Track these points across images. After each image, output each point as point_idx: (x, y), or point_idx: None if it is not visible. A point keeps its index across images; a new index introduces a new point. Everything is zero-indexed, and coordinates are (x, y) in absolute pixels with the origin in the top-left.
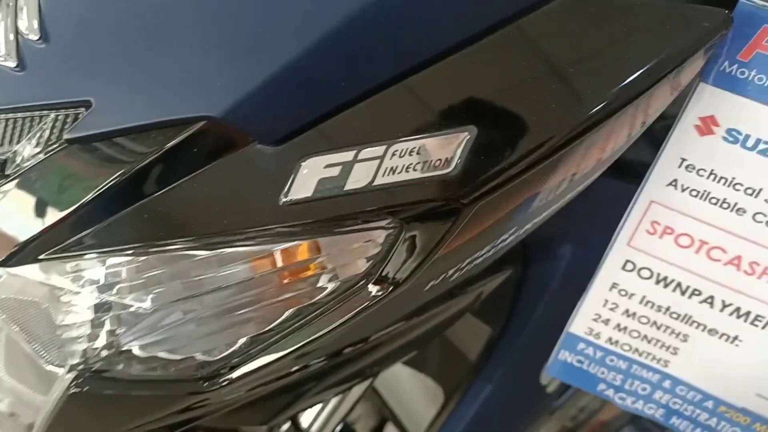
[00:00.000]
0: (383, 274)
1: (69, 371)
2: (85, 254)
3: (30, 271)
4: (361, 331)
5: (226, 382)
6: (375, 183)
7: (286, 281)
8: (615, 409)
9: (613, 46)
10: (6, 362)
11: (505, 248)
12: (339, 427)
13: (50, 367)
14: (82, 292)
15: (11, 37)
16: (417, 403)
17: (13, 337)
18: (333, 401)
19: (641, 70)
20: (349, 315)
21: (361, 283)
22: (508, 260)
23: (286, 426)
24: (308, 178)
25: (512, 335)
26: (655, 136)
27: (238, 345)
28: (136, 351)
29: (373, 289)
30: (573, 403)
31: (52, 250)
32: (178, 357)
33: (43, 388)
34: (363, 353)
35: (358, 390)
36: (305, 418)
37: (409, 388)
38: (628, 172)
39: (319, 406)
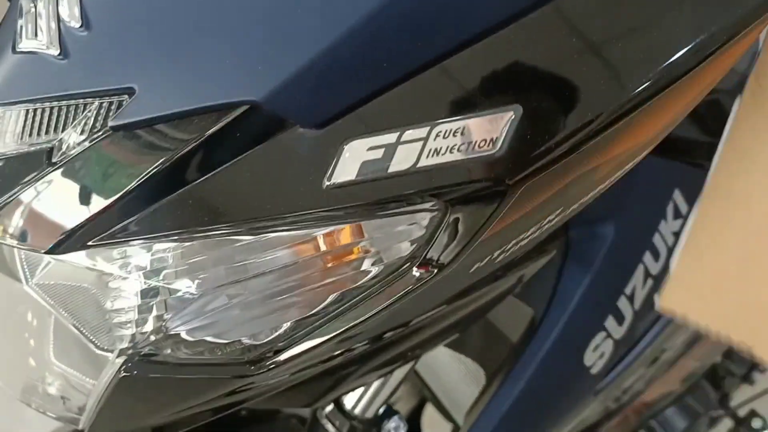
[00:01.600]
0: (427, 257)
1: (119, 356)
2: (131, 240)
3: (77, 258)
4: (404, 315)
5: (272, 366)
6: (419, 165)
7: (329, 265)
8: (658, 390)
9: (658, 22)
10: (55, 347)
11: (551, 229)
12: (382, 409)
13: (100, 352)
14: (129, 277)
15: (53, 25)
16: (458, 384)
17: (61, 322)
18: (375, 383)
19: (689, 47)
20: (393, 299)
21: (405, 266)
22: (550, 242)
23: (330, 408)
24: (351, 161)
25: (555, 316)
26: (696, 111)
27: (283, 329)
28: (183, 335)
29: (417, 272)
30: (617, 384)
31: (98, 237)
32: (224, 341)
33: (94, 372)
34: (405, 336)
35: (400, 372)
36: (348, 400)
37: (450, 370)
38: (670, 149)
39: (362, 388)
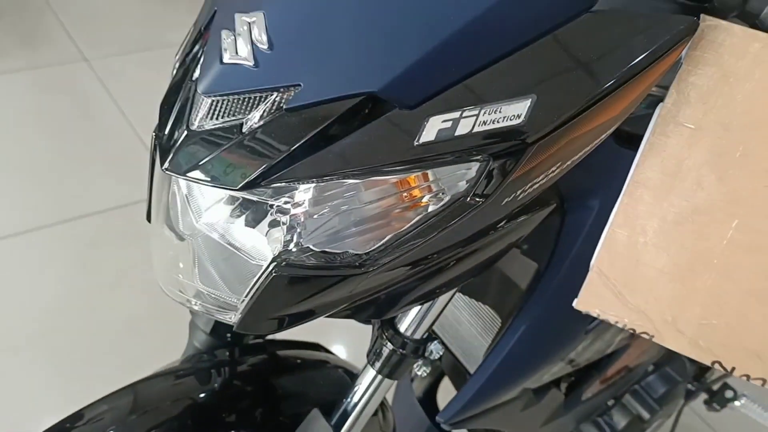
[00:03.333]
0: (476, 192)
1: (271, 262)
2: (289, 181)
3: (256, 193)
4: (461, 236)
5: (373, 268)
6: (473, 131)
7: (414, 195)
8: (639, 350)
9: (617, 47)
10: (200, 275)
11: (554, 178)
12: (426, 334)
13: (255, 263)
14: (284, 207)
15: (250, 47)
16: (474, 338)
17: (204, 252)
18: (423, 309)
19: (635, 60)
20: (456, 219)
21: (462, 197)
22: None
23: (389, 330)
24: (431, 129)
25: (555, 270)
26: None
27: (379, 243)
28: (312, 248)
29: (471, 200)
30: (605, 326)
31: (269, 179)
32: (339, 251)
33: (240, 288)
34: (451, 264)
35: (441, 301)
36: (402, 324)
37: (469, 326)
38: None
39: (413, 314)
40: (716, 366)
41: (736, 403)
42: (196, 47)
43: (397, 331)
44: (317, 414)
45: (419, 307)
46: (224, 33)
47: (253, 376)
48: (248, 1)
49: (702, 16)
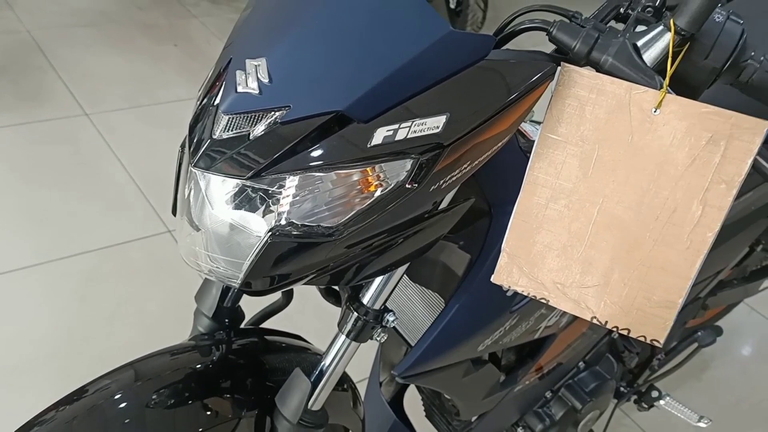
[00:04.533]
0: (411, 178)
1: (267, 232)
2: (280, 173)
3: (258, 182)
4: (404, 215)
5: (340, 238)
6: (408, 137)
7: (369, 183)
8: (571, 337)
9: (503, 80)
10: (210, 255)
11: (467, 173)
12: (383, 306)
13: (256, 235)
14: (276, 192)
15: (256, 81)
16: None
17: (213, 239)
18: (380, 283)
19: (516, 91)
20: (399, 199)
21: (402, 184)
22: (477, 214)
23: (356, 303)
24: (379, 136)
25: (483, 259)
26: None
27: (344, 219)
28: (296, 222)
29: (408, 186)
30: (529, 309)
31: (267, 171)
32: (314, 224)
33: (243, 253)
34: (396, 244)
35: (395, 276)
36: (364, 297)
37: (415, 308)
38: None
39: (373, 288)
40: (594, 321)
41: (661, 402)
42: (218, 83)
43: (361, 303)
44: (299, 372)
45: (377, 283)
46: (238, 72)
47: (245, 352)
48: (254, 50)
49: (563, 64)
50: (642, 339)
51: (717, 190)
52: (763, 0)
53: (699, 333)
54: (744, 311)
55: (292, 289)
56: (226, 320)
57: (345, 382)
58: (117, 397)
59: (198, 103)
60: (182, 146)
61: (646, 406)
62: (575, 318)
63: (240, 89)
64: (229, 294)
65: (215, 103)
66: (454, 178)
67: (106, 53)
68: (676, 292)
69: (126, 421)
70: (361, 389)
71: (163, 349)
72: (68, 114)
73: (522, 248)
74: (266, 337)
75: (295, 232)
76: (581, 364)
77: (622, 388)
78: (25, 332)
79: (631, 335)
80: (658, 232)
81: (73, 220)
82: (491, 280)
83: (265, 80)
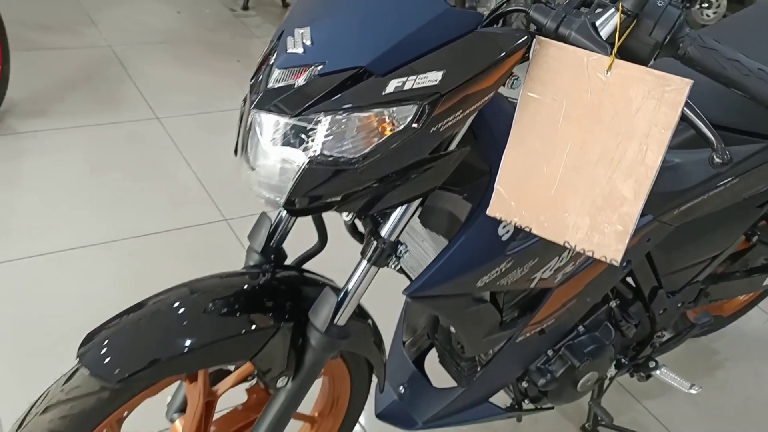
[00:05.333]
0: (416, 119)
1: (305, 161)
2: (317, 113)
3: (300, 119)
4: (412, 155)
5: (362, 166)
6: (413, 87)
7: (383, 123)
8: (567, 293)
9: (488, 47)
10: (262, 185)
11: (461, 120)
12: (397, 239)
13: (297, 164)
14: (313, 128)
15: (301, 44)
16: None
17: (270, 161)
18: (395, 219)
19: (498, 55)
20: (406, 136)
21: (408, 125)
22: (479, 172)
23: (376, 234)
24: (391, 86)
25: (483, 207)
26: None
27: (365, 151)
28: (327, 153)
29: (414, 125)
30: (524, 253)
31: (308, 111)
32: (339, 156)
33: (287, 178)
34: (409, 179)
35: (408, 214)
36: (383, 232)
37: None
38: None
39: (390, 221)
40: (566, 245)
41: (657, 372)
42: (273, 47)
43: (380, 235)
44: (329, 290)
45: (393, 218)
46: (289, 38)
47: (286, 281)
48: (302, 22)
49: (537, 37)
50: (603, 259)
51: (655, 133)
52: (756, 17)
53: (699, 316)
54: (762, 317)
55: (326, 236)
56: (272, 257)
57: (368, 318)
58: (176, 305)
59: (258, 64)
60: (244, 100)
61: (644, 375)
62: (569, 277)
63: (289, 50)
64: (275, 235)
65: (270, 63)
66: (449, 123)
67: (176, 67)
68: (628, 220)
69: (185, 323)
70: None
71: (216, 273)
72: (142, 117)
73: (510, 186)
74: (304, 274)
75: (326, 161)
76: (581, 329)
77: (623, 360)
78: (96, 298)
79: (594, 256)
80: (612, 170)
81: (143, 206)
82: (487, 212)
83: (308, 43)
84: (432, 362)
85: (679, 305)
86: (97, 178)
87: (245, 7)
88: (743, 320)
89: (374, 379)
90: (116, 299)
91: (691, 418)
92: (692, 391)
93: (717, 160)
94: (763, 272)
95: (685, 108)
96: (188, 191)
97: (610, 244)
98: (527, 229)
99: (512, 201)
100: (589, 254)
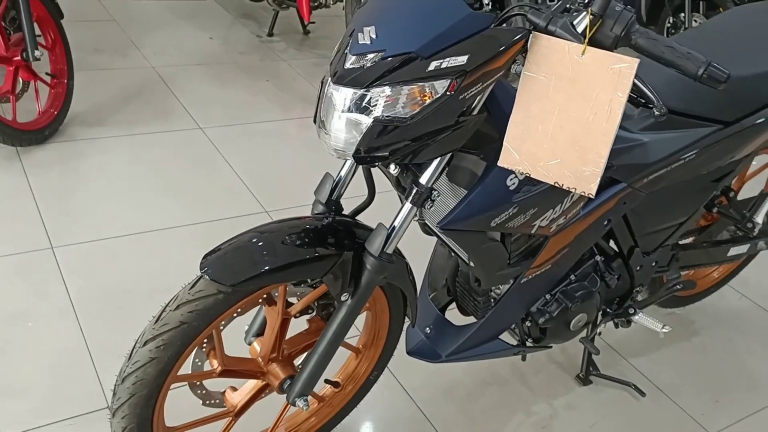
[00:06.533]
0: (452, 89)
1: (370, 121)
2: (381, 85)
3: (369, 90)
4: (444, 114)
5: (410, 122)
6: (448, 66)
7: (425, 93)
8: (562, 241)
9: (497, 39)
10: (336, 144)
11: (481, 90)
12: (432, 185)
13: (366, 122)
14: (379, 96)
15: (368, 38)
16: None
17: (343, 124)
18: (432, 169)
19: (504, 44)
20: (442, 102)
21: (444, 92)
22: (492, 139)
23: (416, 180)
24: (432, 66)
25: (494, 164)
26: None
27: (414, 111)
28: (386, 114)
29: (448, 93)
30: (529, 202)
31: (374, 84)
32: (396, 116)
33: (357, 134)
34: (441, 137)
35: (440, 165)
36: (421, 180)
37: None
38: None
39: (427, 174)
40: (555, 184)
41: (635, 317)
42: (346, 40)
43: (419, 183)
44: (381, 225)
45: (430, 170)
46: (359, 34)
47: (345, 224)
48: (368, 21)
49: (533, 32)
50: (583, 193)
51: (615, 99)
52: (738, 21)
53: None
54: (735, 296)
55: (374, 191)
56: (333, 207)
57: (404, 260)
58: (254, 240)
59: (334, 53)
60: (322, 81)
61: (626, 320)
62: (562, 228)
63: (360, 42)
64: (335, 190)
65: (345, 51)
66: (472, 93)
67: (213, 85)
68: (598, 164)
69: (264, 253)
70: None
71: (294, 216)
72: (187, 127)
73: (515, 142)
74: (357, 221)
75: (385, 120)
76: (573, 277)
77: (608, 309)
78: (169, 265)
79: (577, 192)
80: (587, 127)
81: (195, 200)
82: (498, 163)
83: (374, 36)
84: (450, 316)
85: (653, 264)
86: (156, 177)
87: (270, 34)
88: (719, 298)
89: (406, 322)
90: (184, 270)
91: (673, 375)
92: (664, 330)
93: (656, 112)
94: (725, 244)
95: (635, 79)
96: (232, 188)
97: (585, 181)
98: (528, 174)
99: (516, 152)
100: (573, 190)
